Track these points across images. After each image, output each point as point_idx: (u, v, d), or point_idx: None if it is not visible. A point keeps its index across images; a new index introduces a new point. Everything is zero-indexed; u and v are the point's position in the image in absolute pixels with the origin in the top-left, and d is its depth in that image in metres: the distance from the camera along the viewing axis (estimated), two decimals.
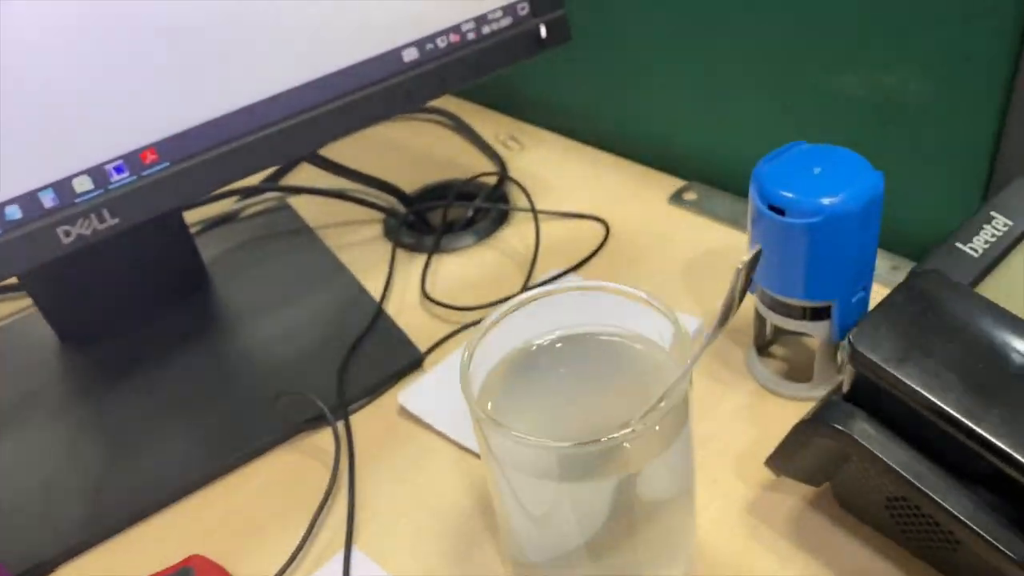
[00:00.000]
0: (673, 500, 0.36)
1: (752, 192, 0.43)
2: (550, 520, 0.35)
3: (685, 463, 0.35)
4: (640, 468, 0.33)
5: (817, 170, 0.42)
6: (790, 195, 0.42)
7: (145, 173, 0.47)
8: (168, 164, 0.47)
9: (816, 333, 0.46)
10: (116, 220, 0.46)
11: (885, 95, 0.53)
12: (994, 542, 0.33)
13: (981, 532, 0.33)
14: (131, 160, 0.46)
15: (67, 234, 0.45)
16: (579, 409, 0.35)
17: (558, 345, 0.37)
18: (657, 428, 0.31)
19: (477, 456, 0.48)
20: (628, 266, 0.60)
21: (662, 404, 0.31)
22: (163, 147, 0.47)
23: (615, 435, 0.30)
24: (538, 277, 0.59)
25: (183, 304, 0.60)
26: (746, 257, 0.28)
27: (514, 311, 0.36)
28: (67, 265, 0.47)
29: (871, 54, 0.53)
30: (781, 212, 0.42)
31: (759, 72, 0.60)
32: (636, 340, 0.37)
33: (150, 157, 0.47)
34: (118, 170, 0.46)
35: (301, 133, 0.51)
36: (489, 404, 0.36)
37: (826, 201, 0.41)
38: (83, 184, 0.45)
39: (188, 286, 0.61)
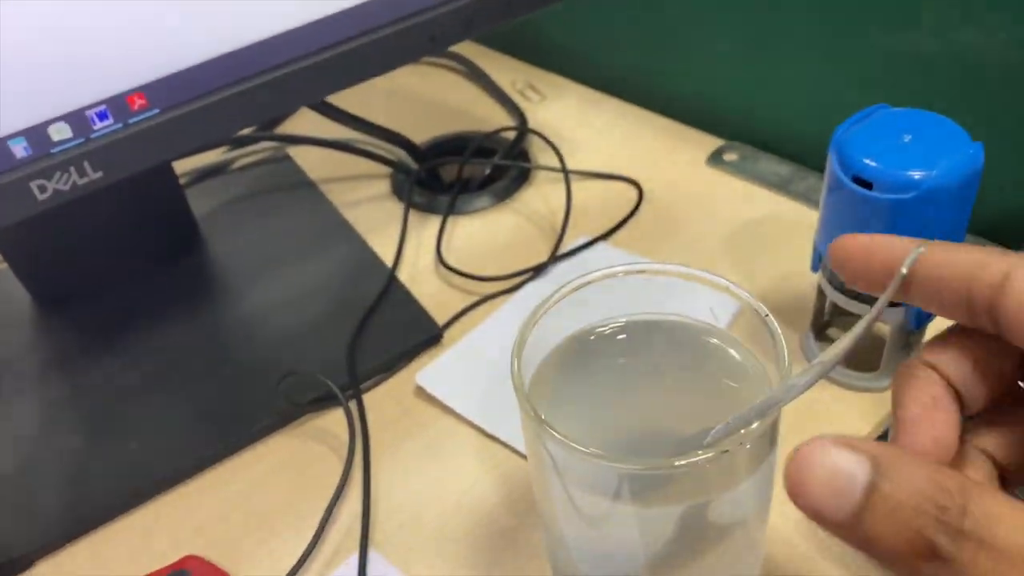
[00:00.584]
0: (748, 522, 0.31)
1: (832, 160, 0.38)
2: (606, 536, 0.31)
3: (767, 484, 0.31)
4: (720, 492, 0.28)
5: (907, 138, 0.37)
6: (877, 166, 0.36)
7: (132, 120, 0.41)
8: (158, 111, 0.41)
9: (889, 319, 0.41)
10: (99, 174, 0.40)
11: (962, 51, 0.48)
12: None
13: None
14: (116, 105, 0.40)
15: (42, 189, 0.39)
16: (648, 413, 0.30)
17: (620, 336, 0.32)
18: (748, 450, 0.27)
19: (504, 444, 0.43)
20: (664, 234, 0.54)
21: (755, 425, 0.26)
22: (153, 91, 0.41)
23: (700, 456, 0.26)
24: (567, 245, 0.54)
25: (172, 264, 0.54)
26: (908, 259, 0.23)
27: (572, 293, 0.31)
28: (42, 219, 0.41)
29: (945, 5, 0.47)
30: (868, 185, 0.37)
31: (810, 21, 0.54)
32: (711, 332, 0.32)
33: (138, 102, 0.41)
34: (101, 116, 0.40)
35: (310, 79, 0.45)
36: (541, 402, 0.31)
37: (918, 175, 0.36)
38: (61, 132, 0.39)
39: (177, 244, 0.55)
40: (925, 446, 0.21)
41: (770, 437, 0.28)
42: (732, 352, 0.31)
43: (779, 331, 0.28)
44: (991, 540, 0.16)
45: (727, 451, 0.25)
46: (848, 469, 0.18)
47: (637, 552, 0.31)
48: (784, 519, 0.39)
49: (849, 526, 0.18)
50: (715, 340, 0.32)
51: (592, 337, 0.32)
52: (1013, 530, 0.16)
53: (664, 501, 0.28)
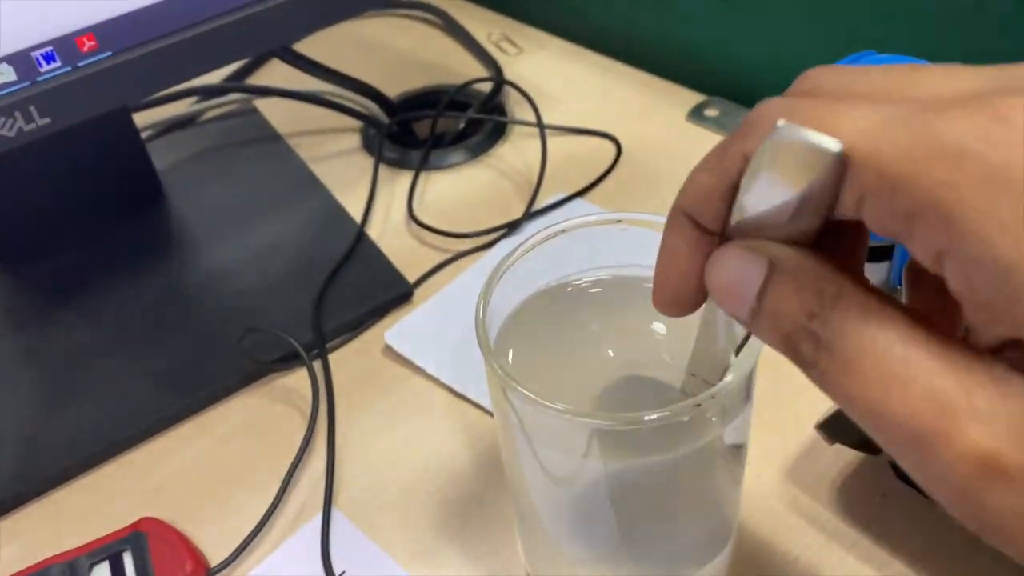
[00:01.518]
0: (725, 479, 0.30)
1: None
2: (575, 498, 0.30)
3: (742, 441, 0.30)
4: (692, 448, 0.27)
5: None
6: None
7: (82, 64, 0.39)
8: (110, 53, 0.39)
9: (873, 276, 0.40)
10: (47, 120, 0.38)
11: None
12: None
13: None
14: (64, 47, 0.38)
15: None
16: (620, 369, 0.29)
17: (593, 290, 0.31)
18: (721, 403, 0.25)
19: (474, 404, 0.42)
20: (642, 190, 0.53)
21: (730, 376, 0.25)
22: (104, 32, 0.39)
23: (671, 412, 0.24)
24: (542, 201, 0.52)
25: (133, 220, 0.52)
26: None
27: (539, 245, 0.30)
28: None
29: None
30: None
31: None
32: None
33: (88, 44, 0.39)
34: (48, 58, 0.38)
35: (271, 22, 0.43)
36: (509, 356, 0.29)
37: None
38: (4, 75, 0.37)
39: (139, 199, 0.53)
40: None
41: (744, 392, 0.27)
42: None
43: None
44: (841, 352, 0.17)
45: (699, 406, 0.24)
46: (747, 266, 0.18)
47: (608, 514, 0.30)
48: (758, 482, 0.38)
49: (748, 323, 0.19)
50: None
51: (567, 290, 0.31)
52: (862, 340, 0.16)
53: (635, 457, 0.27)
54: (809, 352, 0.17)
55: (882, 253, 0.39)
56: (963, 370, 0.15)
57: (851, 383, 0.17)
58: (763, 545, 0.36)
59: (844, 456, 0.38)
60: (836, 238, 0.19)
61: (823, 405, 0.35)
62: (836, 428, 0.35)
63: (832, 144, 0.16)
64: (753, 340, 0.25)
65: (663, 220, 0.29)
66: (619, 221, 0.30)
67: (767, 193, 0.18)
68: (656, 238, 0.29)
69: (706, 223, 0.20)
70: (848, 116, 0.16)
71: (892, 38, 0.50)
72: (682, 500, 0.30)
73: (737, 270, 0.19)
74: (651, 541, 0.32)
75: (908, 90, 0.17)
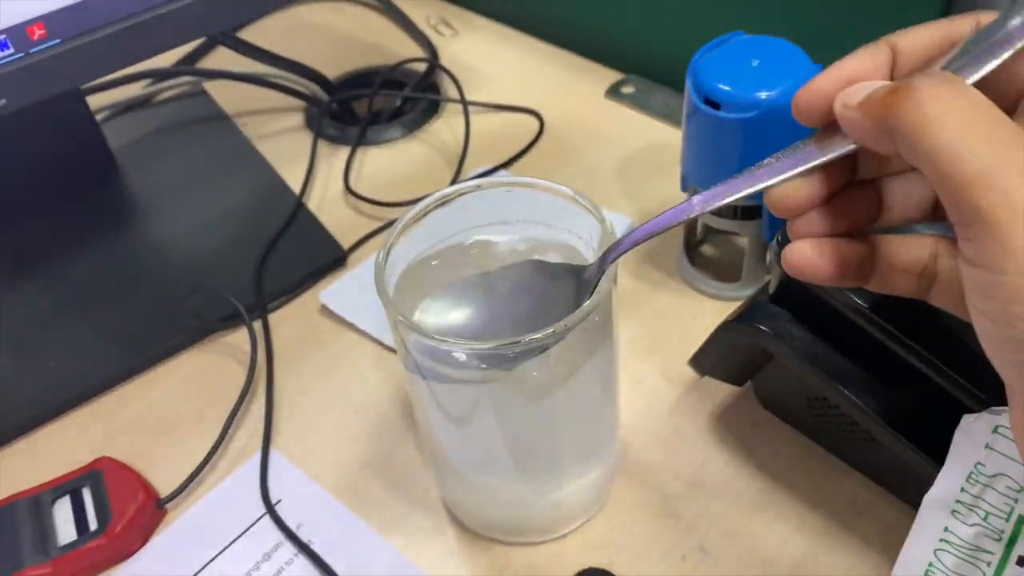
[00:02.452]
0: (597, 403, 0.35)
1: (688, 85, 0.41)
2: (471, 423, 0.34)
3: (609, 366, 0.35)
4: (564, 371, 0.32)
5: (755, 62, 0.41)
6: (726, 88, 0.40)
7: (33, 51, 0.43)
8: (59, 41, 0.43)
9: (745, 232, 0.45)
10: (3, 101, 0.42)
11: None
12: (906, 440, 0.33)
13: (893, 430, 0.33)
14: (16, 35, 0.42)
15: None
16: (501, 313, 0.34)
17: (474, 250, 0.36)
18: (581, 330, 0.30)
19: None
20: (561, 162, 0.58)
21: (586, 304, 0.30)
22: (53, 21, 0.43)
23: (537, 335, 0.29)
24: (467, 173, 0.57)
25: (88, 195, 0.56)
26: None
27: (435, 209, 0.34)
28: None
29: None
30: (716, 106, 0.40)
31: None
32: (570, 244, 0.35)
33: (38, 32, 0.43)
34: (2, 46, 0.42)
35: (212, 9, 0.46)
36: (408, 305, 0.34)
37: (762, 95, 0.39)
38: None
39: (93, 175, 0.57)
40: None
41: (606, 314, 0.31)
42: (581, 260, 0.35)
43: (610, 225, 0.32)
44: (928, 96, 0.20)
45: (564, 327, 0.29)
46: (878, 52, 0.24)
47: (497, 435, 0.34)
48: (647, 414, 0.43)
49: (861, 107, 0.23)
50: (574, 245, 0.35)
51: (455, 246, 0.36)
52: (963, 99, 0.20)
53: (516, 379, 0.31)
54: (901, 103, 0.21)
55: (754, 211, 0.44)
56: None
57: (934, 139, 0.20)
58: (647, 468, 0.41)
59: (721, 392, 0.43)
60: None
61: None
62: (704, 363, 0.40)
63: None
64: (603, 281, 0.30)
65: (540, 183, 0.34)
66: (503, 184, 0.35)
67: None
68: (536, 197, 0.33)
69: (904, 60, 0.24)
70: None
71: (779, 22, 0.55)
72: (561, 426, 0.35)
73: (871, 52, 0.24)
74: (538, 467, 0.36)
75: None
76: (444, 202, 0.35)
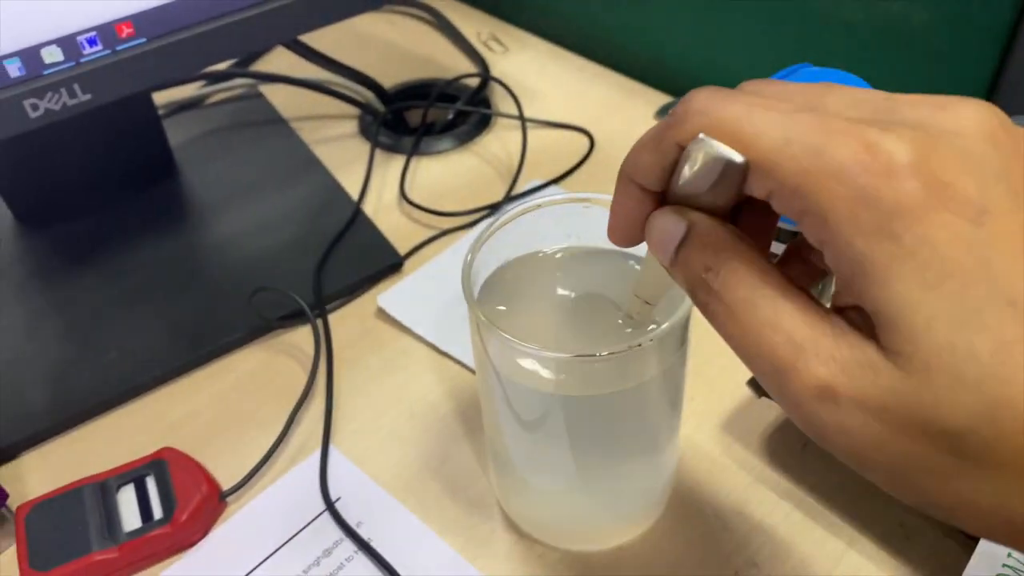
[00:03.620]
0: (664, 416, 0.36)
1: None
2: (539, 428, 0.35)
3: (679, 382, 0.36)
4: (637, 384, 0.33)
5: None
6: None
7: (120, 48, 0.44)
8: (145, 40, 0.45)
9: None
10: (88, 96, 0.44)
11: (886, 22, 0.52)
12: None
13: None
14: (105, 32, 0.43)
15: (35, 108, 0.42)
16: (580, 322, 0.35)
17: (558, 255, 0.37)
18: (658, 346, 0.31)
19: (455, 360, 0.48)
20: (611, 181, 0.58)
21: (666, 324, 0.31)
22: (140, 21, 0.44)
23: (615, 350, 0.30)
24: (520, 187, 0.58)
25: (149, 190, 0.58)
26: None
27: (518, 217, 0.36)
28: (27, 140, 0.44)
29: None
30: None
31: None
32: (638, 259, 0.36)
33: (126, 31, 0.44)
34: (91, 42, 0.43)
35: (285, 17, 0.48)
36: (488, 309, 0.35)
37: None
38: (52, 55, 0.43)
39: (154, 172, 0.58)
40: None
41: (679, 336, 0.33)
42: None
43: None
44: (726, 299, 0.22)
45: (639, 345, 0.30)
46: (672, 227, 0.24)
47: (565, 451, 0.35)
48: (699, 432, 0.44)
49: (669, 269, 0.25)
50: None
51: (539, 255, 0.37)
52: (743, 292, 0.22)
53: (585, 390, 0.33)
54: (703, 297, 0.23)
55: None
56: (815, 323, 0.21)
57: (733, 325, 0.22)
58: (699, 484, 0.42)
59: (773, 412, 0.44)
60: (754, 215, 0.25)
61: None
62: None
63: (737, 157, 0.22)
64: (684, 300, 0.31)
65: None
66: (586, 200, 0.36)
67: (692, 181, 0.24)
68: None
69: (647, 186, 0.26)
70: (759, 122, 0.22)
71: (829, 55, 0.56)
72: (626, 437, 0.36)
73: (665, 228, 0.24)
74: (600, 476, 0.37)
75: (817, 105, 0.23)
76: (528, 212, 0.36)
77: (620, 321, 0.32)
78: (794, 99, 0.23)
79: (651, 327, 0.32)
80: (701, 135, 0.22)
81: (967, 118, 0.20)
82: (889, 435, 0.20)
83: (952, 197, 0.19)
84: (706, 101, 0.23)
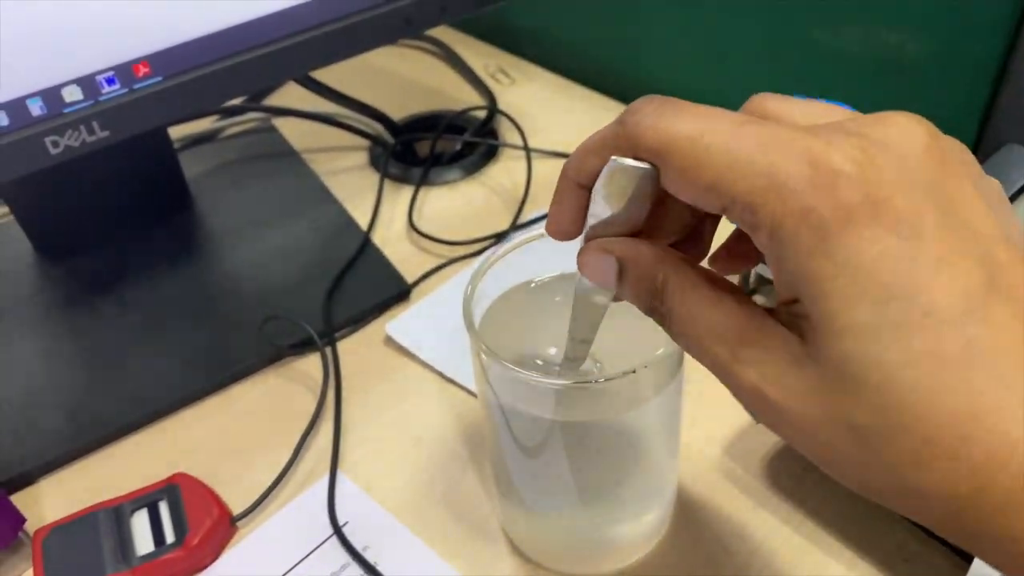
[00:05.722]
0: (663, 440, 0.37)
1: None
2: (541, 454, 0.36)
3: (676, 407, 0.36)
4: (635, 410, 0.34)
5: None
6: None
7: (137, 86, 0.46)
8: (161, 78, 0.46)
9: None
10: (107, 133, 0.45)
11: (882, 54, 0.53)
12: None
13: None
14: (123, 72, 0.45)
15: (55, 144, 0.44)
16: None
17: (557, 283, 0.38)
18: (653, 372, 0.32)
19: (463, 388, 0.49)
20: None
21: (661, 351, 0.32)
22: (156, 60, 0.46)
23: (612, 376, 0.31)
24: (525, 217, 0.59)
25: (165, 222, 0.59)
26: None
27: (518, 248, 0.37)
28: (47, 175, 0.46)
29: (872, 12, 0.53)
30: None
31: (758, 22, 0.59)
32: None
33: (143, 70, 0.46)
34: (109, 81, 0.45)
35: (297, 54, 0.50)
36: (489, 337, 0.36)
37: None
38: (73, 94, 0.44)
39: (170, 204, 0.60)
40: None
41: (675, 361, 0.33)
42: None
43: None
44: (675, 319, 0.24)
45: (635, 371, 0.31)
46: (605, 266, 0.26)
47: (566, 476, 0.36)
48: (701, 456, 0.45)
49: (620, 298, 0.26)
50: None
51: (533, 285, 0.38)
52: (686, 309, 0.24)
53: (588, 414, 0.33)
54: (657, 318, 0.25)
55: None
56: (748, 328, 0.23)
57: (683, 339, 0.24)
58: (701, 507, 0.43)
59: (773, 436, 0.45)
60: (693, 231, 0.28)
61: None
62: None
63: (644, 165, 0.23)
64: None
65: None
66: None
67: (613, 205, 0.25)
68: None
69: (589, 188, 0.27)
70: (708, 137, 0.22)
71: (827, 86, 0.57)
72: (626, 461, 0.37)
73: (599, 268, 0.26)
74: (601, 500, 0.38)
75: (762, 113, 0.24)
76: (530, 241, 0.37)
77: (558, 368, 0.33)
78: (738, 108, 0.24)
79: (596, 364, 0.33)
80: (613, 158, 0.24)
81: (902, 129, 0.22)
82: (812, 427, 0.22)
83: (886, 212, 0.20)
84: (655, 115, 0.23)
